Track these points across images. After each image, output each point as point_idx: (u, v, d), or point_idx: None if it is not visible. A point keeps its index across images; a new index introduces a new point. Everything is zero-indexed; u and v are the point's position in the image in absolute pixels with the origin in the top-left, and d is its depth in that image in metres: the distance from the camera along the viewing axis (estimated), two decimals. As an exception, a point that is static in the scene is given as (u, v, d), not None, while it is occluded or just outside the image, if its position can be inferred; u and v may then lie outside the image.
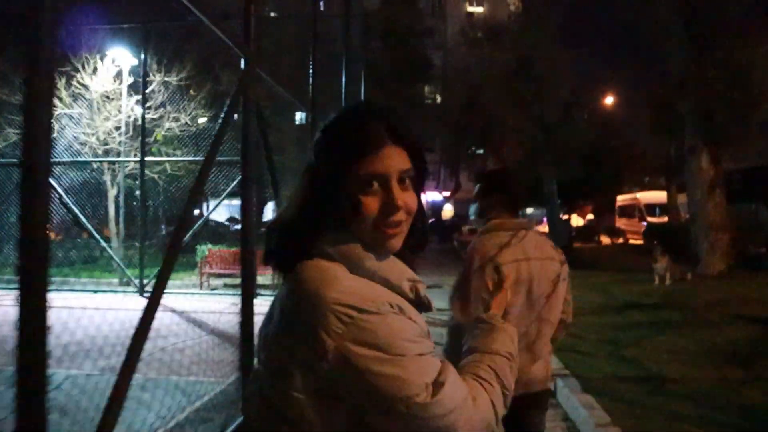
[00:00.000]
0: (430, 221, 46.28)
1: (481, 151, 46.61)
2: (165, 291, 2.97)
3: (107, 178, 14.65)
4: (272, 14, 15.47)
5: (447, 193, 45.98)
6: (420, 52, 32.67)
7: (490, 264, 2.34)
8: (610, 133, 21.63)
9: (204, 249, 14.04)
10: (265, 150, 5.30)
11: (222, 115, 3.99)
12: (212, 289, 13.29)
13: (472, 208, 2.67)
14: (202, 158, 14.55)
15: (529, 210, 48.51)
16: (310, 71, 6.67)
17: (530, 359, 2.48)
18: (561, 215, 20.04)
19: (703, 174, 12.85)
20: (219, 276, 13.74)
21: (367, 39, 27.13)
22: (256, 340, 1.41)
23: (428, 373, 0.97)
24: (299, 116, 16.26)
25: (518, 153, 26.15)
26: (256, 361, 1.16)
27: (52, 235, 13.48)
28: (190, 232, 11.86)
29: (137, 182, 14.67)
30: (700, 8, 12.24)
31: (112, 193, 14.72)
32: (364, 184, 1.03)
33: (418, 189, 1.12)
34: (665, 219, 27.99)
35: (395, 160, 1.05)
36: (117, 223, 14.33)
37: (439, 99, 41.88)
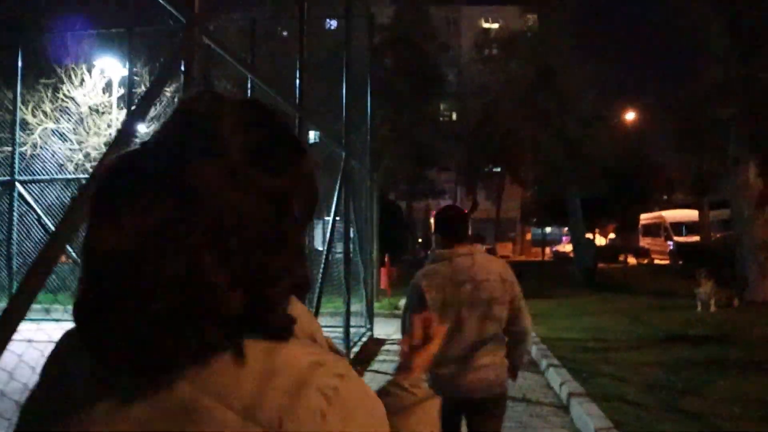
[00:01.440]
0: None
1: (498, 169, 45.69)
2: None
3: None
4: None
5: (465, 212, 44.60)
6: (434, 68, 31.69)
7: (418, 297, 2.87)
8: (635, 147, 20.24)
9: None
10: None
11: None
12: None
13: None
14: None
15: (548, 229, 47.32)
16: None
17: (466, 369, 2.84)
18: (585, 234, 18.63)
19: (751, 188, 11.51)
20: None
21: (379, 54, 26.39)
22: None
23: None
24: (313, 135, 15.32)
25: (537, 170, 24.92)
26: None
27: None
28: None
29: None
30: (745, 5, 11.02)
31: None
32: None
33: None
34: (694, 238, 26.47)
35: None
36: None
37: (454, 116, 40.95)
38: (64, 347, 0.73)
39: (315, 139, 15.67)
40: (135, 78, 13.69)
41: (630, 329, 9.45)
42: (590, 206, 19.72)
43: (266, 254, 0.65)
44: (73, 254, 11.93)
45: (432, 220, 3.39)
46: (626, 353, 7.68)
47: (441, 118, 38.41)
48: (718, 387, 5.93)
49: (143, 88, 13.67)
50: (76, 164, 13.07)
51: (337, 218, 8.53)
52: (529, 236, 49.04)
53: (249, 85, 7.78)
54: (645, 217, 32.04)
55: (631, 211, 24.37)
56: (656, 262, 29.57)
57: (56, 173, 12.46)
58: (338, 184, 7.19)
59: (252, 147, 0.66)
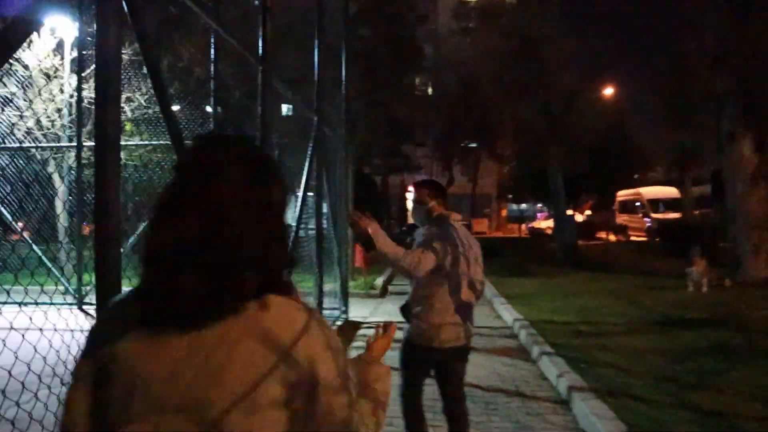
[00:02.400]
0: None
1: (474, 145, 45.06)
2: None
3: (52, 168, 12.61)
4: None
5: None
6: (411, 39, 30.70)
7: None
8: (617, 122, 19.64)
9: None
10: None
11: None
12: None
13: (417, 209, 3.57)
14: (151, 143, 12.57)
15: (522, 206, 46.96)
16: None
17: (464, 319, 3.40)
18: (566, 211, 18.09)
19: (745, 163, 10.97)
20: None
21: (355, 24, 25.42)
22: None
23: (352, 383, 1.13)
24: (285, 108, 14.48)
25: (517, 144, 24.30)
26: None
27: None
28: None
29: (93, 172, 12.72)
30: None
31: (60, 186, 12.65)
32: None
33: None
34: (673, 215, 26.25)
35: None
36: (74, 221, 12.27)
37: (431, 91, 40.15)
38: (110, 311, 1.17)
39: (288, 111, 14.84)
40: (88, 39, 12.62)
41: (622, 311, 8.90)
42: (568, 183, 19.15)
43: (264, 239, 1.07)
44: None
45: (412, 192, 3.58)
46: (623, 338, 7.11)
47: (417, 93, 37.59)
48: (731, 378, 5.36)
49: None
50: (25, 132, 12.01)
51: (310, 193, 7.81)
52: (504, 212, 48.69)
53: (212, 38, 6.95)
54: (622, 194, 31.76)
55: (609, 187, 23.92)
56: (632, 238, 29.39)
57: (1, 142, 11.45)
58: (309, 153, 6.41)
59: (245, 172, 1.08)
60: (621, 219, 32.72)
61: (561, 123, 16.63)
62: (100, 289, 2.24)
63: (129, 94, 13.25)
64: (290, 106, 13.93)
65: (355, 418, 1.08)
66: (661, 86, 17.19)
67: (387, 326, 1.64)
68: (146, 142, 12.12)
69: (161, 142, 11.45)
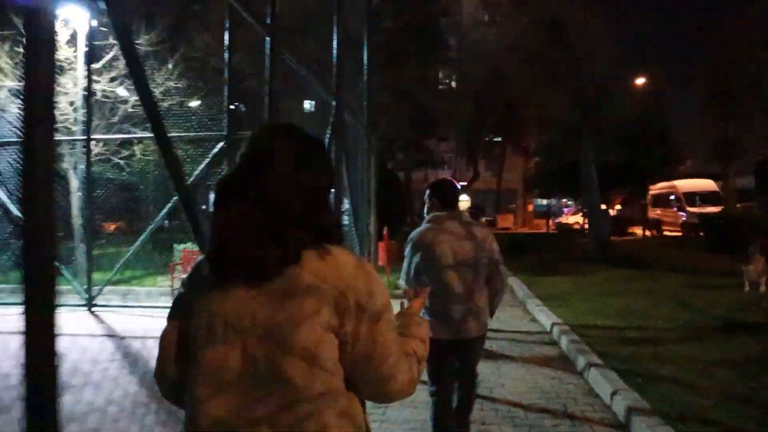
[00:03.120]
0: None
1: (498, 139, 44.11)
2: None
3: (66, 163, 12.17)
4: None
5: (464, 183, 43.35)
6: (435, 31, 29.91)
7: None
8: (654, 112, 18.59)
9: (181, 248, 11.64)
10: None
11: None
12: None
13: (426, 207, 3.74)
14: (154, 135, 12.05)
15: (543, 200, 45.77)
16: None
17: (466, 313, 3.47)
18: (600, 204, 17.18)
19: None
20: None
21: (378, 15, 24.77)
22: None
23: (394, 326, 1.43)
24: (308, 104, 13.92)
25: (547, 136, 23.47)
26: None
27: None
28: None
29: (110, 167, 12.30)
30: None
31: (73, 182, 12.20)
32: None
33: None
34: (710, 208, 25.11)
35: None
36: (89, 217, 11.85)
37: (454, 84, 39.35)
38: (194, 270, 1.42)
39: (310, 107, 14.24)
40: (102, 29, 12.16)
41: (671, 314, 8.10)
42: (600, 176, 18.20)
43: (312, 211, 1.35)
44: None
45: (427, 189, 3.76)
46: (680, 347, 6.34)
47: (441, 86, 36.83)
48: (819, 399, 4.60)
49: (110, 40, 12.15)
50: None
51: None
52: (531, 208, 47.64)
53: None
54: (655, 187, 30.56)
55: (644, 180, 22.77)
56: (666, 233, 28.26)
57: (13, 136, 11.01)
58: (327, 141, 5.79)
59: (296, 159, 1.35)
60: (654, 213, 31.57)
61: (594, 112, 15.76)
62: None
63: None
64: (312, 102, 13.37)
65: (393, 349, 1.37)
66: (705, 70, 16.15)
67: (419, 290, 1.87)
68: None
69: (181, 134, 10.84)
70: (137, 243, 9.61)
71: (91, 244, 9.54)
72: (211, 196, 9.19)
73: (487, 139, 42.87)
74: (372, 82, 10.14)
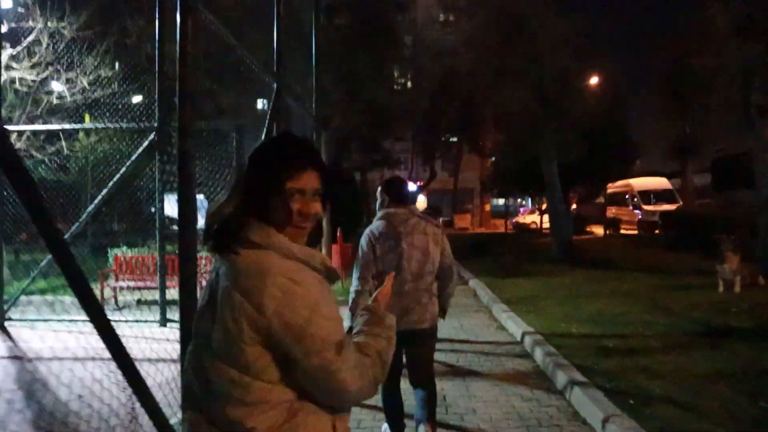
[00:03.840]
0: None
1: (455, 139, 43.68)
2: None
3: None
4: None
5: (420, 183, 42.83)
6: (389, 28, 29.17)
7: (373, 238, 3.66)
8: (615, 107, 18.19)
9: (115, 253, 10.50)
10: None
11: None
12: (121, 308, 9.71)
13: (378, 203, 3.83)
14: (84, 126, 10.87)
15: (501, 201, 45.51)
16: None
17: (412, 306, 3.57)
18: (563, 203, 16.66)
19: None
20: (133, 290, 10.09)
21: (331, 11, 23.88)
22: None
23: (337, 334, 1.39)
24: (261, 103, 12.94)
25: (503, 135, 22.94)
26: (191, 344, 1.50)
27: None
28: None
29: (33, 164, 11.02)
30: None
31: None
32: (290, 195, 1.46)
33: (324, 200, 1.54)
34: (665, 206, 25.10)
35: (311, 181, 1.49)
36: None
37: (410, 84, 38.79)
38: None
39: (263, 106, 13.21)
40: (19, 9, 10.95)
41: (650, 319, 7.48)
42: (560, 173, 17.70)
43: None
44: None
45: (379, 187, 3.85)
46: (667, 357, 5.68)
47: (396, 86, 36.18)
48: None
49: (31, 23, 10.93)
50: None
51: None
52: (488, 208, 47.41)
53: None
54: (611, 186, 30.53)
55: (605, 178, 22.48)
56: (622, 232, 28.21)
57: None
58: (266, 127, 4.89)
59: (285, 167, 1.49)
60: (610, 212, 31.57)
61: (555, 106, 15.21)
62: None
63: (71, 75, 11.56)
64: (264, 101, 12.37)
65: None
66: (661, 66, 15.83)
67: (380, 275, 2.19)
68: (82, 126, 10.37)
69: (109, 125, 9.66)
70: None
71: (2, 250, 8.34)
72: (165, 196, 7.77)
73: (443, 138, 42.45)
74: (321, 71, 9.26)
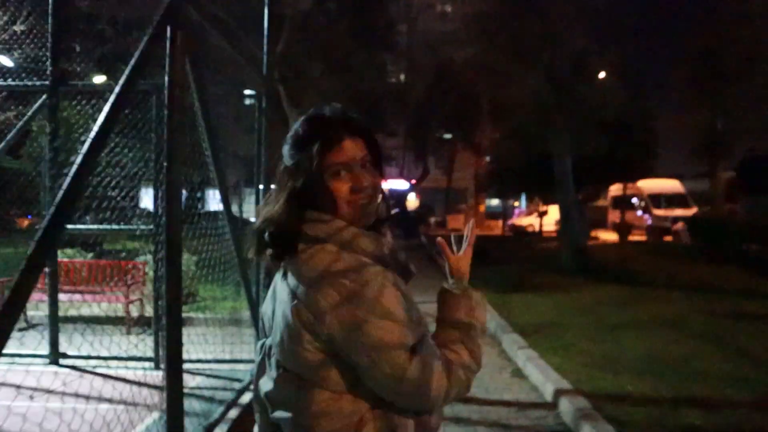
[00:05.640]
0: (393, 212, 40.93)
1: (449, 136, 41.59)
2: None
3: None
4: None
5: (413, 182, 40.85)
6: (381, 14, 27.12)
7: None
8: (633, 102, 16.03)
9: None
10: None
11: None
12: (30, 326, 7.38)
13: None
14: None
15: (494, 201, 43.52)
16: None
17: None
18: (576, 204, 14.46)
19: None
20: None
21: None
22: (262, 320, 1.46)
23: (408, 337, 1.20)
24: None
25: (505, 127, 20.83)
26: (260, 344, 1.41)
27: None
28: None
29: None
30: None
31: None
32: (335, 171, 1.30)
33: (378, 168, 1.39)
34: (678, 211, 23.09)
35: (353, 150, 1.32)
36: None
37: (403, 78, 37.03)
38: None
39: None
40: None
41: (731, 369, 5.32)
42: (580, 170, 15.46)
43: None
44: None
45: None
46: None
47: (390, 79, 34.22)
48: None
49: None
50: None
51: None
52: (482, 208, 45.27)
53: None
54: (616, 189, 28.43)
55: (629, 175, 20.27)
56: (631, 238, 26.14)
57: None
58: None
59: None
60: (614, 216, 29.56)
61: (570, 92, 13.08)
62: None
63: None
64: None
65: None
66: (690, 51, 13.70)
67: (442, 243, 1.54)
68: None
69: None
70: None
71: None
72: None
73: (437, 135, 40.47)
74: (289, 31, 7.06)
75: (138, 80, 2.86)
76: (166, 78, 3.00)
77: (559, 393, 4.80)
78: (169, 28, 2.92)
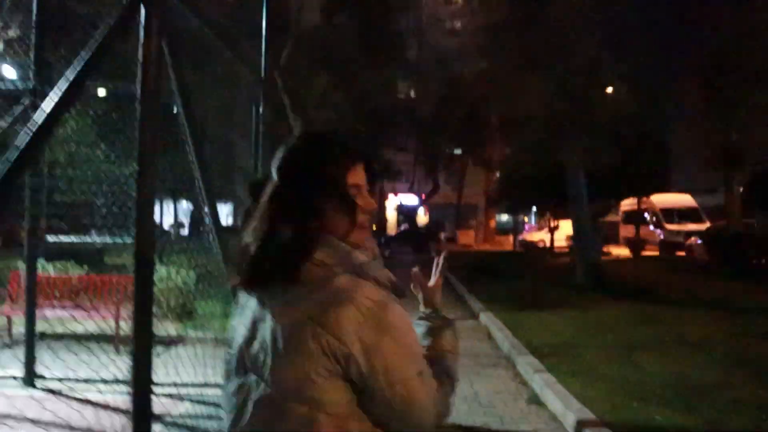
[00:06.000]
0: (402, 227, 40.49)
1: (459, 152, 41.21)
2: None
3: None
4: None
5: (423, 197, 40.50)
6: (393, 29, 26.98)
7: None
8: (645, 113, 15.59)
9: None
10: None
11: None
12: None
13: None
14: None
15: (504, 216, 43.04)
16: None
17: None
18: (589, 219, 13.98)
19: None
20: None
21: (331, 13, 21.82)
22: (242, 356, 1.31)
23: (421, 362, 1.24)
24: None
25: (515, 140, 20.45)
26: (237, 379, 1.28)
27: None
28: None
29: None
30: None
31: None
32: (350, 192, 1.29)
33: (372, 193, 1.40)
34: (692, 226, 22.55)
35: (362, 173, 1.34)
36: None
37: (413, 94, 36.96)
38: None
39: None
40: None
41: (765, 394, 4.86)
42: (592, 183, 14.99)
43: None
44: None
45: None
46: None
47: (400, 95, 34.04)
48: None
49: None
50: None
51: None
52: (493, 224, 44.72)
53: None
54: (627, 203, 27.92)
55: (643, 189, 19.79)
56: (642, 254, 25.57)
57: None
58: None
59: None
60: (625, 231, 29.03)
61: (584, 104, 12.69)
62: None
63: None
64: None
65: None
66: (702, 61, 13.25)
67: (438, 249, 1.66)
68: None
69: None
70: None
71: None
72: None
73: (447, 150, 40.13)
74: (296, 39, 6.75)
75: (104, 57, 2.55)
76: (139, 55, 2.68)
77: (581, 425, 4.36)
78: (142, 6, 2.60)
